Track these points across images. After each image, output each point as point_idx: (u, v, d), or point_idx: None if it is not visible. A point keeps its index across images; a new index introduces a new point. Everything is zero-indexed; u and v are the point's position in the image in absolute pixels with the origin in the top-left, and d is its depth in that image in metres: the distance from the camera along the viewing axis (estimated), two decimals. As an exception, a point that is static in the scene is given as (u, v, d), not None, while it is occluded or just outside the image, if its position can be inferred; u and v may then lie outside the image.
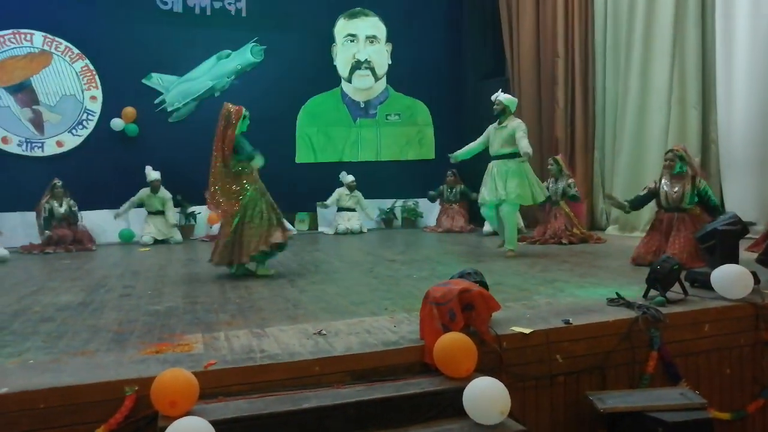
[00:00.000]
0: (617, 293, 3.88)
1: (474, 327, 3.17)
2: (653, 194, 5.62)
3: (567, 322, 3.41)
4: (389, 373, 2.99)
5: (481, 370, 2.98)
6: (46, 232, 8.26)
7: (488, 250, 6.93)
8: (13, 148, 9.15)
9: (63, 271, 6.34)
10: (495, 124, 6.60)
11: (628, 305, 3.69)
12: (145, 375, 2.66)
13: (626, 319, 3.50)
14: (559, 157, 8.03)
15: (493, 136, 6.58)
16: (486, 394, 2.64)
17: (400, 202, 10.71)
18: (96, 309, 4.21)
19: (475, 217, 9.72)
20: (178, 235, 9.15)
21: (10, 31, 9.13)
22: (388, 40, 11.04)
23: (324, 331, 3.36)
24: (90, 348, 3.16)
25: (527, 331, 3.29)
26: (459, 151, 6.97)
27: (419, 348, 3.11)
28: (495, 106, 6.54)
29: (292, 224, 10.29)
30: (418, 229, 10.29)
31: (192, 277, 5.62)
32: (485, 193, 6.56)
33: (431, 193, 10.04)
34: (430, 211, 10.53)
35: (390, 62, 11.07)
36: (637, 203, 5.82)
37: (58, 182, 8.48)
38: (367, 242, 8.62)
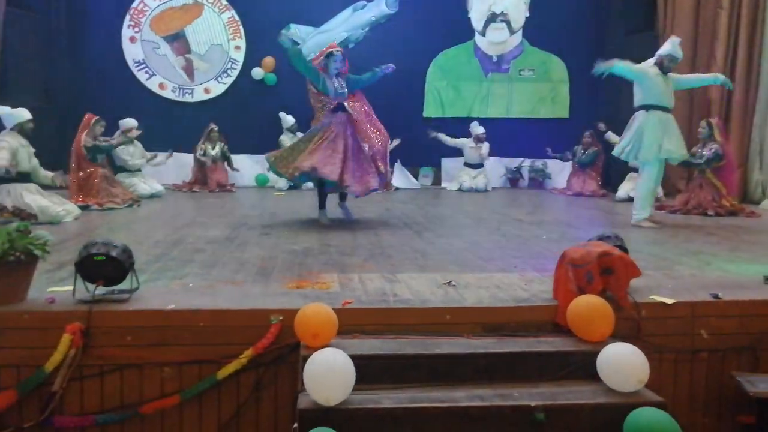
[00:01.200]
0: (777, 271, 3.53)
1: (611, 292, 3.04)
2: None
3: (716, 296, 3.17)
4: (520, 329, 2.97)
5: (616, 336, 2.87)
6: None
7: (623, 217, 6.55)
8: (168, 93, 9.98)
9: (209, 208, 6.91)
10: (658, 71, 5.81)
11: (791, 285, 3.35)
12: (288, 307, 2.85)
13: (788, 299, 3.18)
14: (714, 121, 7.28)
15: (663, 85, 5.80)
16: (624, 361, 2.54)
17: (528, 162, 10.39)
18: (240, 244, 4.56)
19: (608, 181, 9.23)
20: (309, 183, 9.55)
21: (168, -17, 9.84)
22: (528, -9, 10.52)
23: (454, 282, 3.39)
24: (238, 278, 3.44)
25: (669, 301, 3.10)
26: (616, 62, 5.83)
27: (552, 307, 3.05)
28: (670, 63, 5.83)
29: (416, 178, 10.38)
30: (545, 190, 9.96)
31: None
32: (673, 148, 5.82)
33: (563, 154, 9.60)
34: (559, 172, 10.13)
35: (527, 15, 10.57)
36: None
37: (214, 127, 9.14)
38: (491, 200, 8.50)
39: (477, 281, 3.46)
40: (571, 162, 9.64)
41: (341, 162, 5.35)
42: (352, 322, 2.84)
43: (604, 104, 10.21)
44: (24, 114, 5.54)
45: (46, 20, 9.06)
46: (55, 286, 3.07)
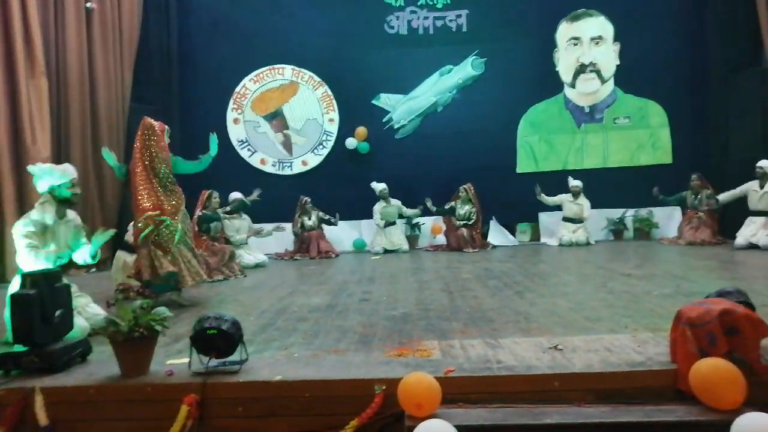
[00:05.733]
0: None
1: (740, 354, 2.78)
2: None
3: None
4: (636, 396, 2.77)
5: (751, 404, 2.60)
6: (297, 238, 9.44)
7: (745, 267, 6.05)
8: (268, 168, 10.62)
9: (310, 276, 7.12)
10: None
11: None
12: (390, 376, 2.84)
13: None
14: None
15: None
16: (765, 433, 2.28)
17: (631, 212, 9.94)
18: (341, 311, 4.64)
19: (725, 229, 8.60)
20: (405, 245, 9.66)
21: (267, 67, 10.65)
22: (616, 39, 10.37)
23: (560, 346, 3.24)
24: (341, 347, 3.49)
25: (811, 362, 2.78)
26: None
27: (670, 372, 2.83)
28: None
29: (514, 235, 10.18)
30: (653, 241, 9.43)
31: (421, 285, 5.88)
32: None
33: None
34: (668, 220, 9.59)
35: (618, 62, 10.38)
36: None
37: (306, 198, 9.57)
38: (595, 255, 8.14)
39: (585, 344, 3.29)
40: (680, 209, 9.13)
41: None
42: (455, 391, 2.77)
43: (710, 146, 9.69)
44: None
45: (162, 111, 10.02)
46: (172, 358, 3.26)
